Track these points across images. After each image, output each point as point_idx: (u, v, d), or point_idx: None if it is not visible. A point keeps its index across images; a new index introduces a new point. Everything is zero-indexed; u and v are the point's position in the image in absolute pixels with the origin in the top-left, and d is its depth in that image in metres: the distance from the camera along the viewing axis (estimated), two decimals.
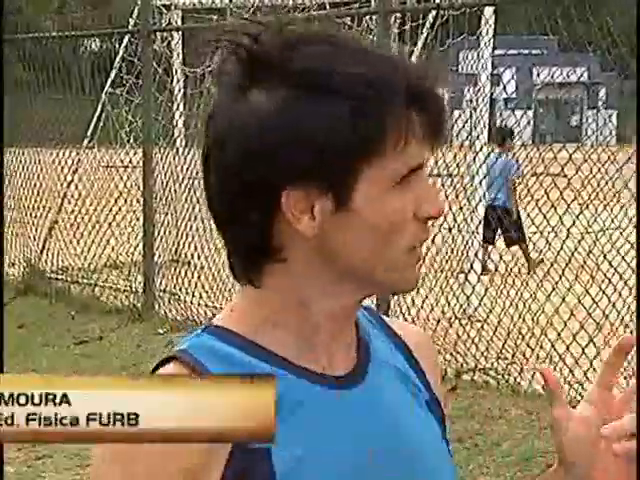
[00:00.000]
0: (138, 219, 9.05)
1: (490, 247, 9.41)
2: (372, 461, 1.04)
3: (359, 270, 0.99)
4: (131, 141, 9.58)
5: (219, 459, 0.95)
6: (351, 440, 1.02)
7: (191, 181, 8.35)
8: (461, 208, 7.37)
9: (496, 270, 7.64)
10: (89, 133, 10.05)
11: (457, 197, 7.37)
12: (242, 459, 0.96)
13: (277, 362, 0.99)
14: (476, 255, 7.48)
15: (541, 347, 6.38)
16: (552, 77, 9.23)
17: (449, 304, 7.01)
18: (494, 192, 9.62)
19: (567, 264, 6.59)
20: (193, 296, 8.29)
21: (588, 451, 1.01)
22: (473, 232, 7.58)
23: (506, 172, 9.62)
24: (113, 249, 9.63)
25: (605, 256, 6.55)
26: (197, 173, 7.20)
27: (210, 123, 0.96)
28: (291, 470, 0.97)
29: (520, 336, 6.52)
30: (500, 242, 9.37)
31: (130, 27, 9.52)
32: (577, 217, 6.83)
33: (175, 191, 9.01)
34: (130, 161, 9.56)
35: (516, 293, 6.79)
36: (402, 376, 1.11)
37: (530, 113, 12.97)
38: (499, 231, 9.37)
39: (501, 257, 7.70)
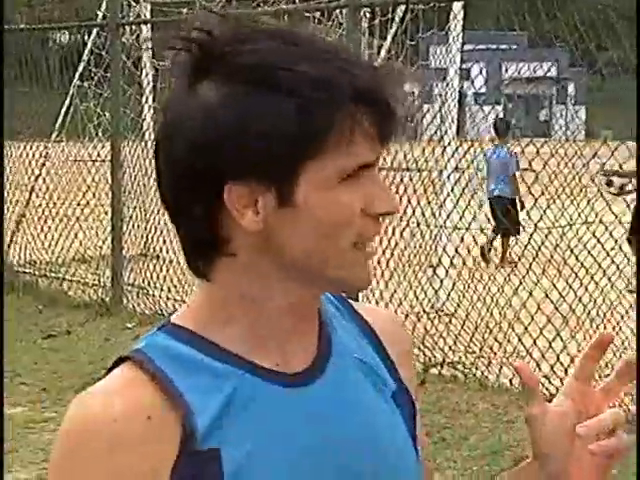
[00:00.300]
0: (106, 213, 9.11)
1: (498, 237, 9.55)
2: (329, 459, 1.03)
3: (306, 266, 0.99)
4: (100, 134, 9.62)
5: (167, 464, 0.96)
6: (305, 437, 1.02)
7: None
8: (429, 202, 7.42)
9: (464, 264, 7.71)
10: (57, 127, 10.11)
11: (425, 191, 7.43)
12: (189, 463, 0.96)
13: (229, 359, 1.00)
14: (444, 249, 7.53)
15: (508, 341, 6.45)
16: (520, 72, 9.35)
17: (417, 298, 7.06)
18: (495, 184, 9.76)
19: (534, 258, 6.68)
20: (162, 290, 8.33)
21: (564, 444, 1.00)
22: (441, 226, 7.63)
23: (511, 165, 9.75)
24: (81, 243, 9.68)
25: (572, 250, 6.64)
26: None
27: (162, 115, 0.98)
28: (240, 467, 0.97)
29: (488, 330, 6.60)
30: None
31: (99, 20, 9.53)
32: (544, 212, 6.91)
33: (144, 185, 9.04)
34: (98, 155, 9.60)
35: (484, 287, 6.88)
36: (367, 369, 1.10)
37: (499, 108, 13.12)
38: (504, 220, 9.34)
39: (469, 251, 7.76)
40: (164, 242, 8.53)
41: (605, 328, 6.13)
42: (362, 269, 1.00)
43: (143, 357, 0.97)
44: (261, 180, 0.93)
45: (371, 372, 1.09)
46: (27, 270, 9.62)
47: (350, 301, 1.16)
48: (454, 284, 7.04)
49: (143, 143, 9.22)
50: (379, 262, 6.60)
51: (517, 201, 9.88)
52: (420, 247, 7.40)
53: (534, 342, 6.20)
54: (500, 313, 6.60)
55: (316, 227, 0.96)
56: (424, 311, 7.01)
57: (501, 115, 10.67)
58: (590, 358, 1.04)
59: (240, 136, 0.92)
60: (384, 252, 6.77)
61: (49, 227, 9.78)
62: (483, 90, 10.71)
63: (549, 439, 1.01)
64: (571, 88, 23.65)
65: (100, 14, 9.37)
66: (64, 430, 0.99)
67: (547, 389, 5.22)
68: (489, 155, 9.58)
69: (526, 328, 6.30)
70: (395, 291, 6.90)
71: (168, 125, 0.96)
